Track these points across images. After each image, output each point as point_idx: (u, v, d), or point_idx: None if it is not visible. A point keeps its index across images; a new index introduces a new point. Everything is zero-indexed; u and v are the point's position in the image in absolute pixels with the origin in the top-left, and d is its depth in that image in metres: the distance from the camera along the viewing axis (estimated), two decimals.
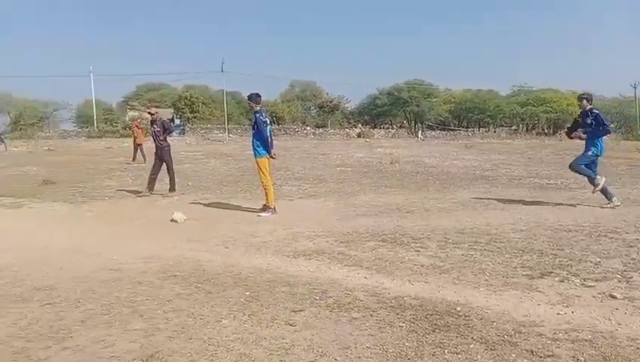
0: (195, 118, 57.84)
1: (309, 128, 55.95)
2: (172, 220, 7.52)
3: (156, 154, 10.72)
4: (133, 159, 19.03)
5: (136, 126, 21.28)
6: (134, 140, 20.19)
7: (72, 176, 14.56)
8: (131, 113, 53.49)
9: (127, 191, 11.38)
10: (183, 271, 4.84)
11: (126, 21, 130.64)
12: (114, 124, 48.95)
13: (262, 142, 8.11)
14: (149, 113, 11.55)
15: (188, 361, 2.94)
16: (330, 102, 67.15)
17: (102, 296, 4.14)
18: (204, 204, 9.33)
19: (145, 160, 18.39)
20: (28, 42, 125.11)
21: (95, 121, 52.48)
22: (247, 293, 4.15)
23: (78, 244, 6.16)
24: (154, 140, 10.81)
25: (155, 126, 10.79)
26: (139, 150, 19.40)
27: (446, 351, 3.02)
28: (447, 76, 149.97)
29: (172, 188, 10.55)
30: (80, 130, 53.56)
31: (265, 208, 8.07)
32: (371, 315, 3.65)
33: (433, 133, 60.33)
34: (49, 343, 3.25)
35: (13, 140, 40.58)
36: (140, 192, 10.64)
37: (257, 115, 8.09)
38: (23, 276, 4.78)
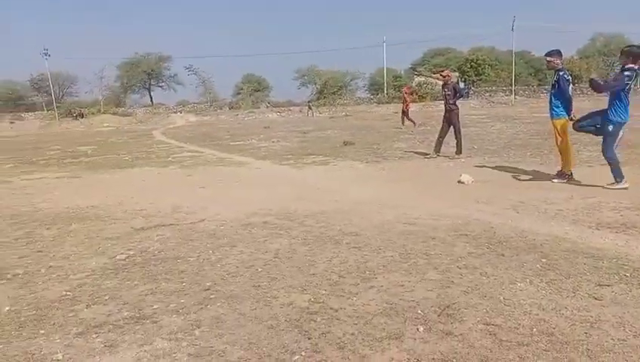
0: (479, 80, 56.40)
1: None
2: (459, 181, 7.61)
3: (445, 117, 10.88)
4: (414, 124, 19.70)
5: (406, 92, 22.09)
6: (405, 105, 20.92)
7: (366, 139, 15.98)
8: (417, 79, 55.23)
9: (415, 152, 11.93)
10: (472, 231, 4.89)
11: None
12: (401, 90, 51.42)
13: (563, 102, 7.41)
14: (441, 76, 11.69)
15: (483, 317, 3.00)
16: None
17: (399, 246, 4.51)
18: (491, 167, 9.14)
19: (414, 123, 19.47)
20: (331, 18, 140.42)
21: (385, 88, 55.99)
22: (543, 260, 3.96)
23: (375, 198, 6.79)
24: (445, 103, 10.97)
25: (446, 89, 10.93)
26: (406, 115, 20.36)
27: None
28: None
29: (459, 151, 10.62)
30: (372, 96, 58.01)
31: (560, 174, 7.46)
32: None
33: None
34: (357, 281, 3.73)
35: (318, 107, 46.65)
36: (428, 154, 11.02)
37: (561, 73, 7.38)
38: (333, 222, 5.54)
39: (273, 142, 16.98)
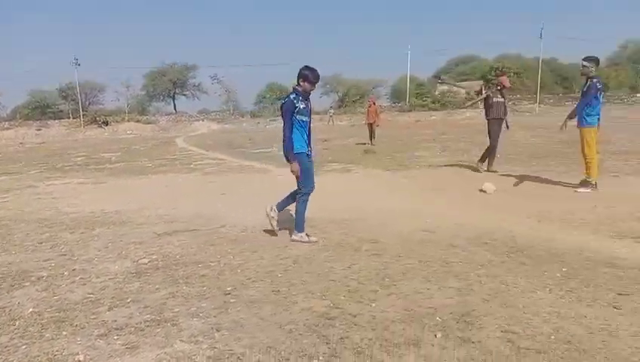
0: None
1: (639, 95, 47.71)
2: (481, 190, 7.56)
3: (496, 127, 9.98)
4: (372, 141, 17.59)
5: (374, 103, 19.10)
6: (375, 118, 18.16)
7: (388, 147, 15.95)
8: (441, 87, 54.98)
9: (437, 161, 11.87)
10: (494, 240, 4.86)
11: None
12: (424, 99, 51.17)
13: (592, 111, 7.29)
14: (498, 86, 10.12)
15: (502, 324, 2.99)
16: None
17: (419, 254, 4.51)
18: (514, 176, 9.04)
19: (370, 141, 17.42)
20: (357, 28, 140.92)
21: (407, 96, 55.83)
22: (563, 269, 3.93)
23: (396, 206, 6.78)
24: (493, 112, 9.99)
25: (497, 97, 10.01)
26: (372, 130, 17.88)
27: None
28: None
29: (482, 160, 10.27)
30: (394, 105, 57.90)
31: (584, 183, 7.35)
32: None
33: None
34: (376, 287, 3.74)
35: (338, 115, 46.72)
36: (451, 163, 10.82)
37: (594, 80, 7.26)
38: (354, 229, 5.56)
39: None
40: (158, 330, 3.12)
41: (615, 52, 63.70)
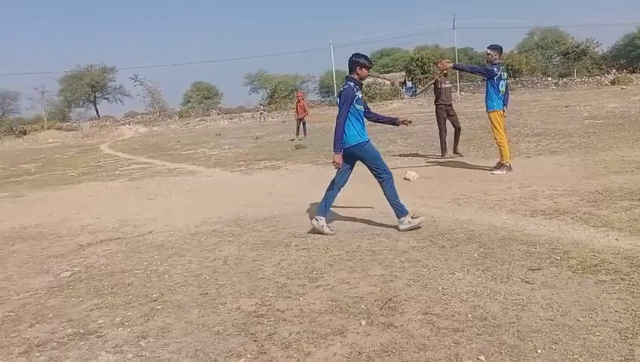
0: (426, 78, 57.71)
1: (550, 79, 50.73)
2: (405, 178, 7.81)
3: (446, 115, 10.43)
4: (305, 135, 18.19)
5: (299, 98, 19.72)
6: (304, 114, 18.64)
7: (318, 141, 16.09)
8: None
9: None
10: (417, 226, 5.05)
11: None
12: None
13: (495, 95, 7.76)
14: (440, 70, 10.16)
15: (423, 307, 3.14)
16: (577, 47, 59.06)
17: (346, 245, 4.62)
18: (436, 163, 9.42)
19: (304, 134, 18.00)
20: (277, 25, 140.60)
21: (335, 90, 56.39)
22: (480, 249, 4.15)
23: None
24: (440, 99, 10.31)
25: (443, 84, 10.33)
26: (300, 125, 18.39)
27: None
28: None
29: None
30: (323, 99, 58.40)
31: (499, 166, 7.77)
32: (622, 279, 3.31)
33: None
34: (304, 281, 3.80)
35: (270, 112, 46.56)
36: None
37: (494, 67, 7.73)
38: (283, 225, 5.61)
39: (224, 149, 16.87)
40: (82, 343, 3.04)
41: (524, 39, 67.35)
